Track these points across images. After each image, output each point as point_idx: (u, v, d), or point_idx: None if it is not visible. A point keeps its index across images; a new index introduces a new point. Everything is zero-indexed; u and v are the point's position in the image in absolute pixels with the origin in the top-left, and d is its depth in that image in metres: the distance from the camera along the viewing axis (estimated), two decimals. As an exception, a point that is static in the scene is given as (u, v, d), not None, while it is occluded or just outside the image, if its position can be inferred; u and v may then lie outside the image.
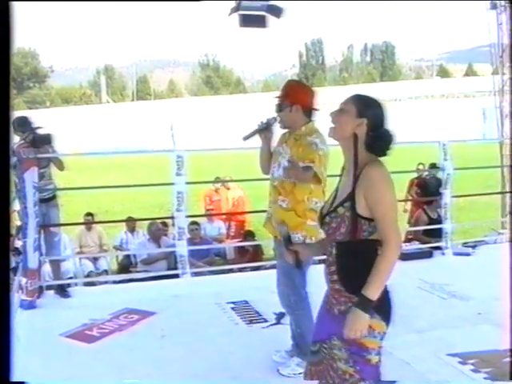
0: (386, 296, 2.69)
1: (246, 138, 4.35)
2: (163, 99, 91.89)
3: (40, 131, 6.25)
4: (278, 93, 4.25)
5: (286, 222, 3.97)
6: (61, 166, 6.41)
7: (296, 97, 4.15)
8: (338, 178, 2.90)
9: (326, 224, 2.71)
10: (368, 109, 2.68)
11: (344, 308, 2.66)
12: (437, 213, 8.54)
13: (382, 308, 2.66)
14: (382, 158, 2.70)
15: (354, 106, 2.69)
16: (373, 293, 2.55)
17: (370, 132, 2.66)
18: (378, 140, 2.67)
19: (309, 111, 4.16)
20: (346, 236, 2.61)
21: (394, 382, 3.55)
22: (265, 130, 4.30)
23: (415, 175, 12.28)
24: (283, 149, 4.18)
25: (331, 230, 2.67)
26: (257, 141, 4.35)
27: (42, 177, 6.19)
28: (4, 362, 1.43)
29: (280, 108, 4.17)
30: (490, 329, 4.83)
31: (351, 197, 2.61)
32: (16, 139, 6.14)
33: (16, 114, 6.66)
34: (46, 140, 6.25)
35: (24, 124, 6.24)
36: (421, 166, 12.34)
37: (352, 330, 2.55)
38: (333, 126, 2.73)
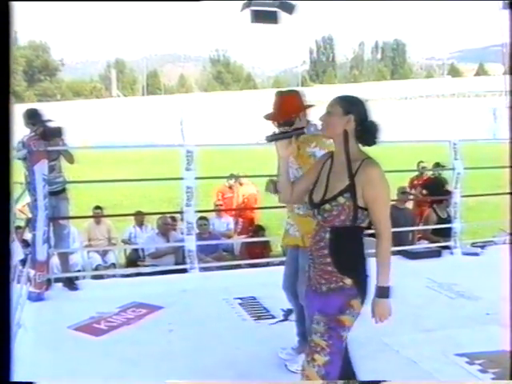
0: (365, 280, 2.95)
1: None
2: (173, 94, 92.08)
3: (50, 124, 6.26)
4: (273, 114, 4.12)
5: (303, 228, 4.02)
6: (71, 159, 6.42)
7: (296, 106, 4.12)
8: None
9: (325, 211, 2.91)
10: (352, 106, 2.96)
11: (334, 286, 2.92)
12: (446, 212, 8.52)
13: (362, 291, 2.92)
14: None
15: (339, 106, 2.97)
16: (386, 281, 2.90)
17: (358, 126, 2.95)
18: (366, 132, 2.96)
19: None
20: (344, 223, 2.87)
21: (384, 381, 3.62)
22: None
23: (418, 173, 12.19)
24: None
25: (331, 216, 2.89)
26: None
27: (51, 170, 6.21)
28: (4, 362, 1.43)
29: (291, 123, 4.02)
30: (498, 329, 4.80)
31: (351, 189, 2.86)
32: (26, 131, 6.16)
33: (27, 106, 6.68)
34: (57, 133, 6.27)
35: (34, 116, 6.25)
36: (425, 164, 12.26)
37: (382, 315, 2.91)
38: (324, 127, 3.04)
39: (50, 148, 6.08)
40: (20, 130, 5.87)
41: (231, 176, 11.58)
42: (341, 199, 2.86)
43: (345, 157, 2.93)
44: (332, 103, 2.99)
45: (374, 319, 2.93)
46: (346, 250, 2.91)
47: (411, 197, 10.95)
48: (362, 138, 2.96)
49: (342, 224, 2.87)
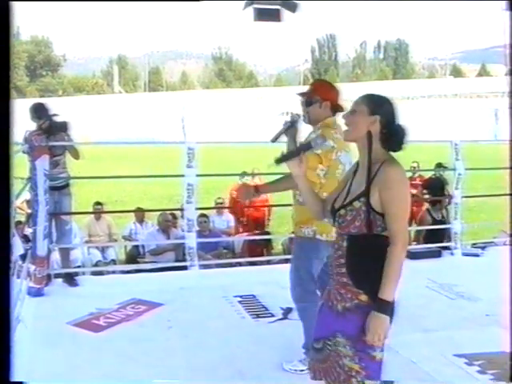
0: None
1: (274, 139, 4.09)
2: (175, 91, 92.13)
3: (56, 118, 6.25)
4: (302, 89, 4.28)
5: (298, 216, 4.11)
6: (76, 155, 6.40)
7: (326, 93, 4.19)
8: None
9: (340, 216, 2.73)
10: (379, 106, 2.74)
11: (349, 305, 2.68)
12: (441, 214, 8.48)
13: None
14: (396, 156, 2.76)
15: (365, 105, 2.74)
16: (389, 294, 2.60)
17: (384, 129, 2.71)
18: (392, 136, 2.72)
19: (335, 108, 4.18)
20: (360, 229, 2.65)
21: (392, 381, 3.58)
22: (291, 128, 4.14)
23: (411, 174, 12.19)
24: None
25: (346, 222, 2.70)
26: (268, 137, 4.30)
27: (56, 165, 6.21)
28: (4, 362, 1.43)
29: (310, 103, 4.17)
30: (498, 330, 4.81)
31: (367, 192, 2.65)
32: (32, 126, 6.14)
33: (29, 101, 6.67)
34: (63, 127, 6.26)
35: (41, 110, 6.24)
36: (415, 164, 12.28)
37: (376, 334, 2.58)
38: (347, 128, 2.81)
39: (54, 143, 6.08)
40: (25, 125, 5.86)
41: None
42: (356, 203, 2.66)
43: (367, 160, 2.70)
44: (358, 101, 2.78)
45: (367, 336, 2.59)
46: (363, 260, 2.66)
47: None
48: (386, 142, 2.72)
49: (358, 231, 2.65)
